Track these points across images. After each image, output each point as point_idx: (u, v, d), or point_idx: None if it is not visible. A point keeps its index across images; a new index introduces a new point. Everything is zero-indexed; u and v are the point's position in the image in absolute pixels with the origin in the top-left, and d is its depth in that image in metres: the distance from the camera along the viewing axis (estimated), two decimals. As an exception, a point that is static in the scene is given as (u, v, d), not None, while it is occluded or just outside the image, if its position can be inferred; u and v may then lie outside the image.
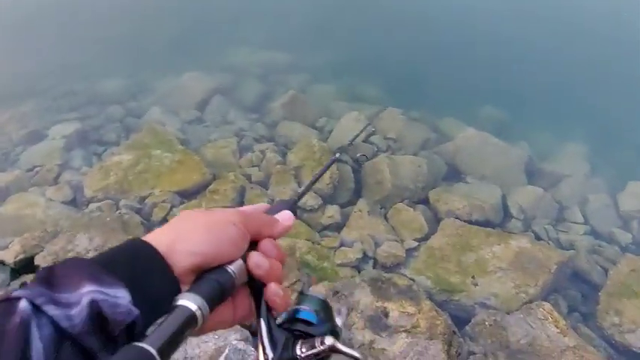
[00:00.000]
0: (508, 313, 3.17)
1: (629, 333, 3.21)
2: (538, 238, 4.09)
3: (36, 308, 0.39)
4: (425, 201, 4.29)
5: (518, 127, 6.06)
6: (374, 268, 3.51)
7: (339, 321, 0.58)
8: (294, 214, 0.67)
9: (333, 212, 3.96)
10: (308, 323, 0.58)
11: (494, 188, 4.54)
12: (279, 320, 0.57)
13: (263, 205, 0.67)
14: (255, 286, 0.55)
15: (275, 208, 0.66)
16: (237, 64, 6.82)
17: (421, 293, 3.05)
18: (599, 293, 3.54)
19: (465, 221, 3.93)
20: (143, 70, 6.82)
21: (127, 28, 7.97)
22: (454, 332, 2.84)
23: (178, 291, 0.48)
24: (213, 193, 3.90)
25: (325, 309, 0.61)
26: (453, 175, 4.85)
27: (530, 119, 6.34)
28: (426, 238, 3.79)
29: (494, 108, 6.31)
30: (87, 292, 0.41)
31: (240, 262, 0.53)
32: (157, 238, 0.50)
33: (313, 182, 0.84)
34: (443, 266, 3.52)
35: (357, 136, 1.20)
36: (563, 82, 7.29)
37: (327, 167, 0.93)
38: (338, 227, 3.90)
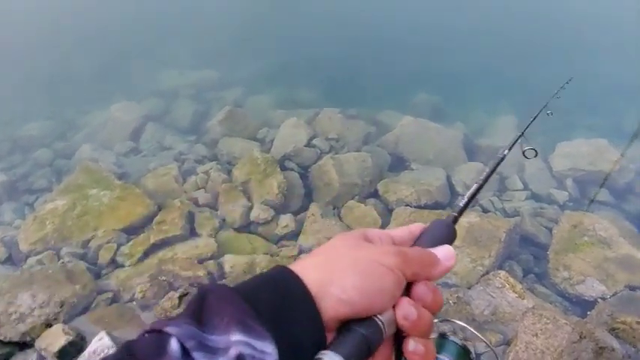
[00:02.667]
0: (469, 288, 3.29)
1: (579, 284, 3.43)
2: (486, 210, 4.27)
3: (185, 352, 0.39)
4: (375, 194, 4.37)
5: (451, 109, 6.33)
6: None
7: None
8: (454, 237, 0.59)
9: (287, 221, 3.93)
10: None
11: (438, 170, 4.70)
12: None
13: (417, 227, 0.59)
14: (400, 336, 0.48)
15: (432, 232, 0.57)
16: (166, 87, 6.63)
17: (384, 285, 3.09)
18: (548, 252, 3.76)
19: (415, 207, 4.04)
20: (67, 107, 6.48)
21: (43, 65, 7.55)
22: (421, 317, 2.90)
23: (323, 343, 0.44)
24: (160, 224, 3.76)
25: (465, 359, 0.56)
26: (398, 164, 4.97)
27: (461, 100, 6.63)
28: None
29: (427, 94, 6.55)
30: (235, 342, 0.39)
31: (390, 312, 0.47)
32: (307, 274, 0.46)
33: (477, 191, 0.70)
34: (401, 255, 3.59)
35: None
36: (486, 61, 7.69)
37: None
38: (294, 235, 3.88)
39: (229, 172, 4.56)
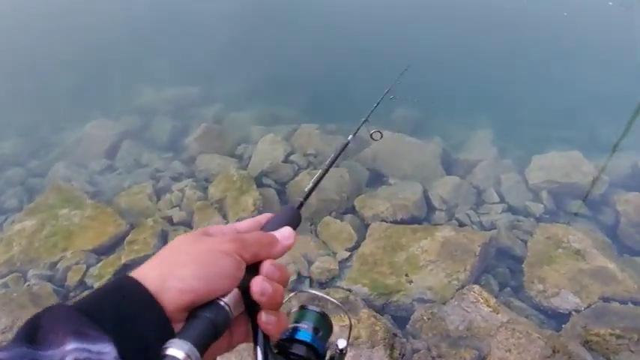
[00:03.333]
0: (444, 304, 3.27)
1: (553, 297, 3.43)
2: (462, 224, 4.28)
3: None
4: (352, 210, 4.35)
5: (430, 124, 6.38)
6: (310, 286, 3.47)
7: (342, 343, 0.56)
8: (299, 220, 0.63)
9: (262, 238, 3.88)
10: (305, 344, 0.56)
11: (415, 185, 4.70)
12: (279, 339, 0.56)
13: (264, 217, 0.63)
14: (253, 311, 0.52)
15: (276, 219, 0.62)
16: (144, 104, 6.58)
17: (358, 302, 3.06)
18: (523, 265, 3.76)
19: (391, 222, 4.03)
20: (42, 125, 6.37)
21: (17, 81, 7.44)
22: (395, 334, 2.86)
23: (170, 333, 0.45)
24: (132, 244, 3.68)
25: (325, 326, 0.60)
26: (376, 179, 4.97)
27: (440, 114, 6.70)
28: (356, 246, 3.83)
29: (406, 108, 6.60)
30: (70, 351, 0.39)
31: (235, 291, 0.50)
32: (145, 274, 0.47)
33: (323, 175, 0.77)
34: (377, 270, 3.56)
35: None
36: (465, 75, 7.81)
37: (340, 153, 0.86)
38: (270, 253, 3.82)
39: (205, 190, 4.51)
